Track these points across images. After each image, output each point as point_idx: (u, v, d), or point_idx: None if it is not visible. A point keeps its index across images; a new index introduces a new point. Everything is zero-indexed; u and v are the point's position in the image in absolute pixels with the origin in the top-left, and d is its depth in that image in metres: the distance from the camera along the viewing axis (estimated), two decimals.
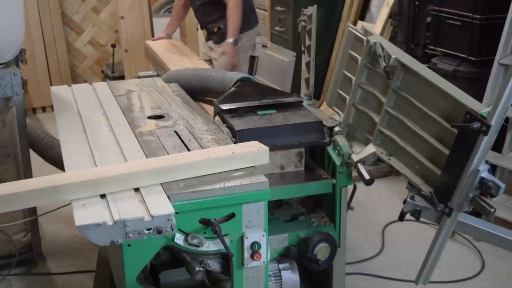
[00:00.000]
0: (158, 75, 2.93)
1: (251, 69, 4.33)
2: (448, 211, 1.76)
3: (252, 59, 5.16)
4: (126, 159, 1.88)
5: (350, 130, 2.18)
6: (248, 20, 4.03)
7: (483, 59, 3.50)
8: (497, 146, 3.28)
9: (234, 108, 2.18)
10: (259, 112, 2.18)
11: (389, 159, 1.98)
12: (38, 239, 3.10)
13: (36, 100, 5.43)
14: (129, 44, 5.28)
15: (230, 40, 3.84)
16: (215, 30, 4.05)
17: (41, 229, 3.21)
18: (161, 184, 1.70)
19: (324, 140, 2.12)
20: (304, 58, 2.48)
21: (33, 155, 2.95)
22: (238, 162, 1.81)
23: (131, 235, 1.51)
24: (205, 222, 1.70)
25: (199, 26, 4.56)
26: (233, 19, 3.83)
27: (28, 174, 2.86)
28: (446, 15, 3.64)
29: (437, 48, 3.80)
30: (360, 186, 2.18)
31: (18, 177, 2.86)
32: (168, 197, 1.63)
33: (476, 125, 1.63)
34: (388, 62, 1.93)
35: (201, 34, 4.88)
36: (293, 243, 2.08)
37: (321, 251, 2.07)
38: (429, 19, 3.99)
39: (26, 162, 2.86)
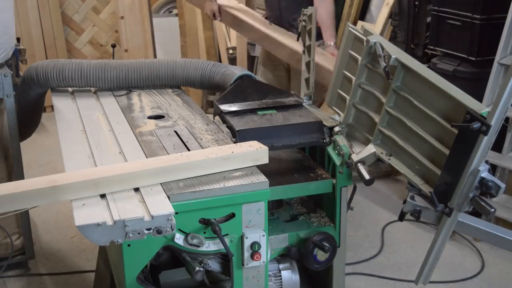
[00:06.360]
0: None
1: None
2: (448, 211, 1.76)
3: (252, 59, 5.12)
4: (126, 159, 1.88)
5: (350, 130, 2.18)
6: None
7: (483, 59, 3.50)
8: (497, 146, 3.28)
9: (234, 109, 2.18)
10: (259, 112, 2.18)
11: (389, 159, 1.98)
12: (30, 242, 3.08)
13: None
14: (129, 44, 5.27)
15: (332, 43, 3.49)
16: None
17: (41, 229, 3.20)
18: (161, 184, 1.70)
19: (324, 140, 2.12)
20: (304, 58, 2.47)
21: (33, 156, 2.95)
22: (238, 162, 1.81)
23: (131, 235, 1.51)
24: (205, 222, 1.70)
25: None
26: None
27: (19, 177, 2.83)
28: (446, 15, 3.64)
29: (437, 48, 3.80)
30: (360, 186, 2.18)
31: (9, 180, 2.84)
32: (168, 197, 1.63)
33: (476, 125, 1.63)
34: (388, 62, 1.93)
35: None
36: (293, 243, 2.08)
37: (321, 251, 2.07)
38: (429, 19, 3.99)
39: (17, 165, 2.84)
